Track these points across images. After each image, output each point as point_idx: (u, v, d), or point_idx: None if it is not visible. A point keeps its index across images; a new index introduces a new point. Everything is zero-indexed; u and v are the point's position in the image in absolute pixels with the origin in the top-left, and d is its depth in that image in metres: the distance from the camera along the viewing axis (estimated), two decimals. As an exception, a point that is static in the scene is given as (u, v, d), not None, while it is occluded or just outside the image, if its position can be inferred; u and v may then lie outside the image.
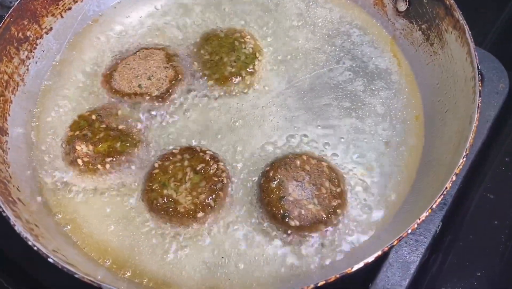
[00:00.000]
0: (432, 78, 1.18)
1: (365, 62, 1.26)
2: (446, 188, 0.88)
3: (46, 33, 1.27)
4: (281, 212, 1.00)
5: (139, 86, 1.20)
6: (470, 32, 1.07)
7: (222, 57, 1.23)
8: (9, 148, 1.09)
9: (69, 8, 1.31)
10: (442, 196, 0.87)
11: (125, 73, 1.22)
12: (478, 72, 1.01)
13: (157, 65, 1.23)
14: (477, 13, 1.50)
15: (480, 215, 1.15)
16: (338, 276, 0.80)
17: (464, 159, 0.91)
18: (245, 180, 1.09)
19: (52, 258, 0.85)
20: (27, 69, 1.22)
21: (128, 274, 1.00)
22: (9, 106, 1.14)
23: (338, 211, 1.01)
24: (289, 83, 1.23)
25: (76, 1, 1.32)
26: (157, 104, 1.19)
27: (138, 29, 1.35)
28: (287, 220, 0.99)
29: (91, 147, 1.10)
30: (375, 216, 1.04)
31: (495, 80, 1.28)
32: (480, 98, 0.98)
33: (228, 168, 1.09)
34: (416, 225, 0.85)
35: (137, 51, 1.26)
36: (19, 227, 0.89)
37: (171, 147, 1.13)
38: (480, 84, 1.00)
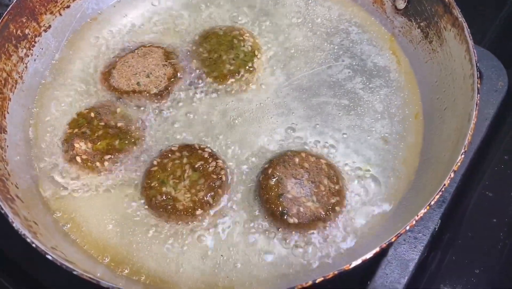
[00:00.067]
0: (431, 76, 1.18)
1: (364, 60, 1.26)
2: (445, 184, 0.88)
3: (45, 31, 1.26)
4: (280, 209, 1.00)
5: (138, 84, 1.20)
6: (469, 29, 1.07)
7: (221, 55, 1.23)
8: (7, 146, 1.09)
9: (68, 6, 1.31)
10: (440, 193, 0.87)
11: (123, 71, 1.22)
12: (477, 70, 1.01)
13: (156, 63, 1.23)
14: (476, 12, 1.50)
15: (479, 213, 1.15)
16: (336, 272, 0.80)
17: (463, 156, 0.91)
18: (244, 178, 1.09)
19: (50, 255, 0.85)
20: (26, 67, 1.22)
21: (126, 271, 1.00)
22: (8, 104, 1.14)
23: (337, 208, 1.01)
24: (288, 81, 1.23)
25: (75, -1, 1.32)
26: (155, 102, 1.19)
27: (137, 27, 1.35)
28: (285, 217, 0.99)
29: (89, 145, 1.11)
30: (374, 213, 1.04)
31: (494, 78, 1.28)
32: (478, 96, 0.98)
33: (226, 165, 1.09)
34: (414, 222, 0.85)
35: (135, 49, 1.26)
36: (17, 224, 0.89)
37: (169, 144, 1.13)
38: (479, 82, 1.00)
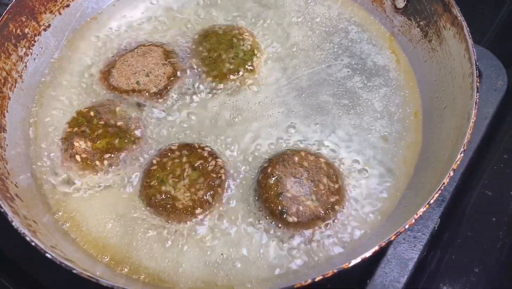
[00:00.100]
0: (430, 75, 1.18)
1: (364, 59, 1.26)
2: (444, 183, 0.88)
3: (44, 30, 1.27)
4: (279, 208, 1.00)
5: (137, 83, 1.20)
6: (468, 28, 1.07)
7: (221, 54, 1.23)
8: (7, 144, 1.09)
9: (67, 5, 1.31)
10: (439, 192, 0.87)
11: (123, 70, 1.22)
12: (476, 68, 1.01)
13: (155, 62, 1.23)
14: (475, 11, 1.50)
15: (478, 212, 1.15)
16: (335, 271, 0.80)
17: (462, 155, 0.91)
18: (243, 176, 1.09)
19: (50, 254, 0.85)
20: (25, 66, 1.22)
21: (126, 270, 1.00)
22: (7, 103, 1.14)
23: (336, 207, 1.01)
24: (288, 80, 1.24)
25: (74, -2, 1.32)
26: (155, 101, 1.19)
27: (137, 26, 1.35)
28: (285, 216, 0.99)
29: (89, 143, 1.11)
30: (373, 211, 1.04)
31: (494, 78, 1.28)
32: (478, 94, 0.98)
33: (226, 164, 1.09)
34: (413, 220, 0.85)
35: (135, 48, 1.26)
36: (16, 223, 0.89)
37: (169, 143, 1.13)
38: (478, 81, 1.00)
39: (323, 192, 1.02)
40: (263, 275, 0.98)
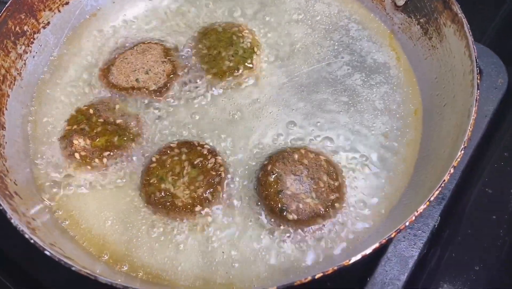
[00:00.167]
0: (430, 72, 1.18)
1: (364, 56, 1.26)
2: (444, 180, 0.87)
3: (44, 27, 1.26)
4: (279, 205, 1.00)
5: (137, 80, 1.20)
6: (468, 25, 1.07)
7: (220, 51, 1.23)
8: (6, 142, 1.09)
9: (67, 3, 1.31)
10: (440, 189, 0.87)
11: (122, 67, 1.22)
12: (477, 65, 1.01)
13: (155, 59, 1.23)
14: (475, 9, 1.49)
15: (479, 209, 1.15)
16: (336, 268, 0.80)
17: (462, 152, 0.91)
18: (243, 174, 1.09)
19: (49, 251, 0.85)
20: (25, 64, 1.21)
21: (125, 268, 0.99)
22: (6, 100, 1.14)
23: (336, 204, 1.01)
24: (288, 77, 1.23)
25: (74, -4, 1.32)
26: (154, 98, 1.19)
27: (136, 23, 1.35)
28: (285, 213, 0.99)
29: (88, 141, 1.10)
30: (373, 209, 1.04)
31: (494, 76, 1.28)
32: (478, 91, 0.98)
33: (226, 161, 1.09)
34: (413, 218, 0.85)
35: (134, 46, 1.26)
36: (15, 220, 0.89)
37: (168, 141, 1.13)
38: (479, 78, 1.00)
39: (323, 189, 1.02)
40: (263, 272, 0.97)
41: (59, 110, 1.20)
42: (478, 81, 0.99)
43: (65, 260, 0.84)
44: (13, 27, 1.18)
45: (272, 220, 1.02)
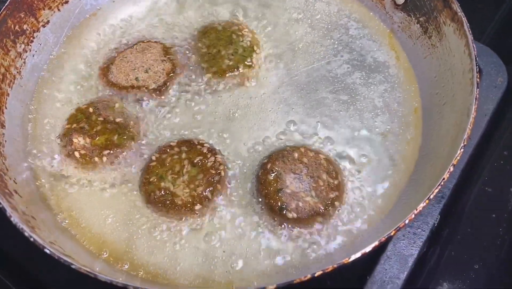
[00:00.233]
0: (430, 71, 1.18)
1: (363, 55, 1.26)
2: (444, 178, 0.87)
3: (43, 26, 1.26)
4: (279, 204, 1.00)
5: (136, 79, 1.20)
6: (468, 24, 1.07)
7: (220, 50, 1.23)
8: (5, 140, 1.09)
9: (66, 2, 1.31)
10: (439, 187, 0.87)
11: (122, 66, 1.22)
12: (476, 64, 1.01)
13: (155, 58, 1.23)
14: (475, 8, 1.50)
15: (478, 208, 1.15)
16: (335, 266, 0.80)
17: (462, 150, 0.91)
18: (243, 173, 1.09)
19: (48, 249, 0.85)
20: (24, 62, 1.21)
21: (126, 266, 0.99)
22: (6, 99, 1.14)
23: (336, 203, 1.01)
24: (287, 76, 1.23)
25: (73, -6, 1.32)
26: (154, 97, 1.19)
27: (136, 22, 1.35)
28: (284, 212, 0.99)
29: (88, 140, 1.10)
30: (373, 207, 1.04)
31: (494, 75, 1.28)
32: (478, 90, 0.98)
33: (225, 160, 1.09)
34: (413, 216, 0.85)
35: (134, 44, 1.26)
36: (15, 218, 0.89)
37: (168, 140, 1.13)
38: (478, 77, 1.00)
39: (322, 188, 1.02)
40: (263, 270, 0.97)
41: (59, 109, 1.20)
42: (478, 79, 0.99)
43: (65, 258, 0.84)
44: (12, 26, 1.18)
45: (272, 218, 1.01)
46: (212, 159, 1.07)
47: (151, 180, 1.05)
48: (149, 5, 1.38)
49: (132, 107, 1.18)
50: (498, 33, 1.53)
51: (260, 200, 1.03)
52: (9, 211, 0.90)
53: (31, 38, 1.23)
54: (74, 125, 1.13)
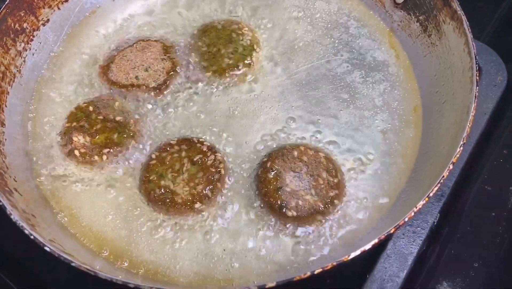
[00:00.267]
0: (429, 69, 1.18)
1: (363, 54, 1.26)
2: (443, 176, 0.87)
3: (43, 24, 1.26)
4: (279, 202, 1.00)
5: (136, 77, 1.20)
6: (467, 22, 1.07)
7: (220, 49, 1.23)
8: (5, 139, 1.09)
9: (66, 0, 1.31)
10: (439, 185, 0.87)
11: (122, 64, 1.22)
12: (476, 62, 1.01)
13: (155, 56, 1.23)
14: (475, 7, 1.50)
15: (478, 207, 1.15)
16: (335, 264, 0.80)
17: (461, 148, 0.91)
18: (243, 171, 1.09)
19: (48, 247, 0.85)
20: (24, 61, 1.21)
21: (126, 264, 0.99)
22: (6, 97, 1.14)
23: (336, 201, 1.01)
24: (287, 75, 1.23)
25: (73, -7, 1.32)
26: (154, 95, 1.19)
27: (136, 21, 1.35)
28: (284, 210, 0.99)
29: (88, 138, 1.10)
30: (372, 205, 1.04)
31: (493, 73, 1.28)
32: (477, 88, 0.98)
33: (225, 158, 1.09)
34: (413, 214, 0.85)
35: (134, 43, 1.26)
36: (15, 216, 0.89)
37: (168, 138, 1.13)
38: (478, 75, 1.00)
39: (322, 186, 1.02)
40: (262, 268, 0.98)
41: (59, 108, 1.20)
42: (477, 78, 0.99)
43: (65, 256, 0.84)
44: (12, 25, 1.18)
45: (272, 216, 1.02)
46: (212, 157, 1.07)
47: (151, 178, 1.05)
48: (149, 3, 1.38)
49: (132, 105, 1.18)
50: (498, 31, 1.53)
51: (259, 198, 1.03)
52: (9, 209, 0.90)
53: (31, 37, 1.23)
54: (74, 123, 1.13)
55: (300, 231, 1.00)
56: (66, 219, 1.06)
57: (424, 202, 0.86)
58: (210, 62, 1.22)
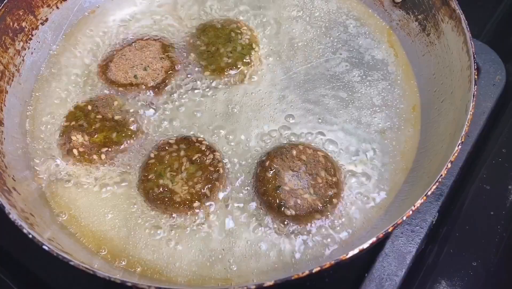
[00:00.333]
0: (428, 68, 1.18)
1: (362, 53, 1.26)
2: (442, 175, 0.87)
3: (42, 24, 1.26)
4: (277, 201, 1.00)
5: (135, 77, 1.20)
6: (466, 21, 1.07)
7: (219, 48, 1.23)
8: (4, 138, 1.09)
9: (65, -1, 1.31)
10: (437, 184, 0.87)
11: (121, 64, 1.22)
12: (474, 61, 1.01)
13: (153, 56, 1.23)
14: (474, 6, 1.50)
15: (476, 206, 1.15)
16: (333, 262, 0.80)
17: (460, 147, 0.91)
18: (241, 170, 1.09)
19: (47, 246, 0.85)
20: (23, 60, 1.21)
21: (124, 263, 0.99)
22: (5, 96, 1.14)
23: (334, 200, 1.01)
24: (286, 74, 1.23)
25: (72, -8, 1.32)
26: (153, 94, 1.19)
27: (135, 20, 1.35)
28: (283, 209, 0.99)
29: (87, 137, 1.10)
30: (371, 204, 1.04)
31: (492, 72, 1.28)
32: (476, 87, 0.98)
33: (224, 157, 1.09)
34: (411, 212, 0.85)
35: (133, 42, 1.26)
36: (14, 215, 0.89)
37: (167, 137, 1.13)
38: (476, 74, 1.00)
39: (321, 185, 1.02)
40: (261, 267, 0.98)
41: (57, 107, 1.20)
42: (476, 76, 0.99)
43: (63, 254, 0.84)
44: (11, 24, 1.18)
45: (270, 215, 1.02)
46: (211, 156, 1.07)
47: (149, 177, 1.05)
48: (148, 2, 1.38)
49: (130, 105, 1.18)
50: (497, 31, 1.53)
51: (258, 197, 1.03)
52: (7, 207, 0.90)
53: (30, 36, 1.23)
54: (73, 123, 1.13)
55: (298, 229, 1.00)
56: (64, 218, 1.06)
57: (422, 200, 0.86)
58: (209, 61, 1.22)
